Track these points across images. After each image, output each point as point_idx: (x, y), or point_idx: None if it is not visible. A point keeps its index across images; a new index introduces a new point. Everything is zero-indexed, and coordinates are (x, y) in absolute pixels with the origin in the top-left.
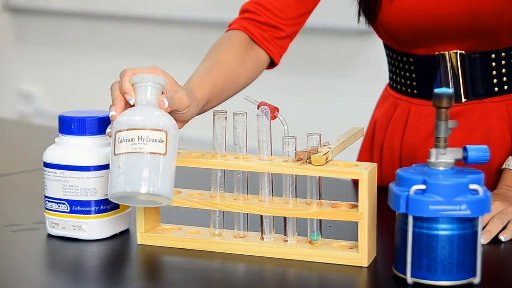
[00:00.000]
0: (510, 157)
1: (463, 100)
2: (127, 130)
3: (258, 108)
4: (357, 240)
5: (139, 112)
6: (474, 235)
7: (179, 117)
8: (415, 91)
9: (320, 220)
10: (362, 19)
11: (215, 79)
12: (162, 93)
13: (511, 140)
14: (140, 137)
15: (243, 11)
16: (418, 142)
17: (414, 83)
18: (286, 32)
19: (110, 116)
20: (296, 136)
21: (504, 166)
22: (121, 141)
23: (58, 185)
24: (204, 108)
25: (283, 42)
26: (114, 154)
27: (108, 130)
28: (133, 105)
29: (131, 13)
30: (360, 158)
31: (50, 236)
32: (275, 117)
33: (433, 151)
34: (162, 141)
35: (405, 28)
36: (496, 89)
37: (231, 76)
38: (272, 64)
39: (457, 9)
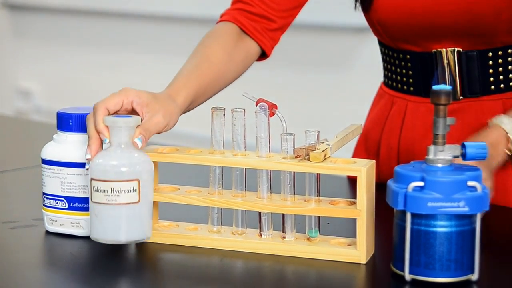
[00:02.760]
0: (502, 115)
1: (460, 97)
2: (100, 181)
3: (256, 105)
4: (355, 237)
5: (113, 158)
6: (473, 232)
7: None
8: (411, 88)
9: (319, 217)
10: (359, 6)
11: (202, 76)
12: (138, 125)
13: None
14: (112, 189)
15: (236, 1)
16: (416, 139)
17: (411, 80)
18: (278, 24)
19: (85, 158)
20: (294, 133)
21: (493, 121)
22: (96, 190)
23: (56, 182)
24: (190, 107)
25: (275, 34)
26: (91, 200)
27: (86, 166)
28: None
29: (130, 9)
30: (355, 156)
31: (48, 233)
32: (274, 114)
33: (432, 148)
34: (135, 190)
35: (402, 24)
36: (492, 87)
37: (219, 72)
38: (263, 55)
39: (455, 7)
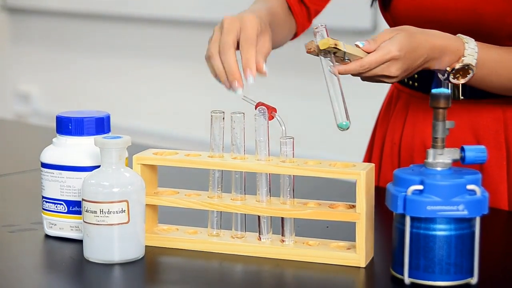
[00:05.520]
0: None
1: (461, 97)
2: (90, 202)
3: (256, 109)
4: (355, 241)
5: (103, 179)
6: (472, 235)
7: None
8: (416, 84)
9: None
10: (375, 4)
11: (274, 16)
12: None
13: (505, 141)
14: (101, 210)
15: None
16: (416, 135)
17: (416, 75)
18: (313, 10)
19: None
20: (293, 136)
21: (460, 36)
22: (86, 210)
23: (56, 186)
24: None
25: (310, 18)
26: (83, 220)
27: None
28: None
29: (129, 13)
30: (366, 152)
31: (47, 236)
32: (273, 118)
33: (431, 151)
34: (124, 211)
35: (411, 17)
36: None
37: (281, 28)
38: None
39: (462, 5)
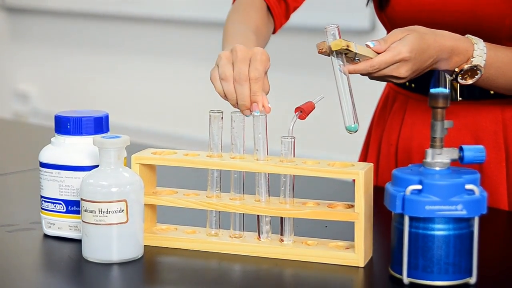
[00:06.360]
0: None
1: (459, 98)
2: (89, 201)
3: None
4: (354, 240)
5: (101, 179)
6: (470, 235)
7: None
8: (412, 85)
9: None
10: (370, 3)
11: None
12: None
13: (504, 142)
14: (100, 209)
15: None
16: (414, 137)
17: None
18: (291, 6)
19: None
20: (295, 136)
21: (468, 36)
22: (85, 210)
23: (54, 185)
24: None
25: (288, 15)
26: (82, 220)
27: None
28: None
29: (128, 12)
30: (362, 153)
31: (46, 236)
32: (305, 118)
33: (429, 151)
34: (123, 210)
35: (408, 19)
36: (491, 92)
37: (264, 43)
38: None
39: (460, 8)
